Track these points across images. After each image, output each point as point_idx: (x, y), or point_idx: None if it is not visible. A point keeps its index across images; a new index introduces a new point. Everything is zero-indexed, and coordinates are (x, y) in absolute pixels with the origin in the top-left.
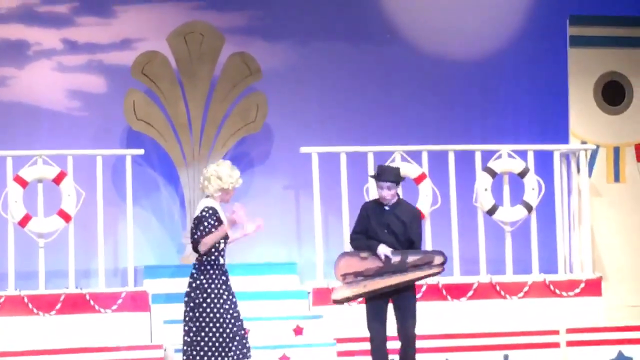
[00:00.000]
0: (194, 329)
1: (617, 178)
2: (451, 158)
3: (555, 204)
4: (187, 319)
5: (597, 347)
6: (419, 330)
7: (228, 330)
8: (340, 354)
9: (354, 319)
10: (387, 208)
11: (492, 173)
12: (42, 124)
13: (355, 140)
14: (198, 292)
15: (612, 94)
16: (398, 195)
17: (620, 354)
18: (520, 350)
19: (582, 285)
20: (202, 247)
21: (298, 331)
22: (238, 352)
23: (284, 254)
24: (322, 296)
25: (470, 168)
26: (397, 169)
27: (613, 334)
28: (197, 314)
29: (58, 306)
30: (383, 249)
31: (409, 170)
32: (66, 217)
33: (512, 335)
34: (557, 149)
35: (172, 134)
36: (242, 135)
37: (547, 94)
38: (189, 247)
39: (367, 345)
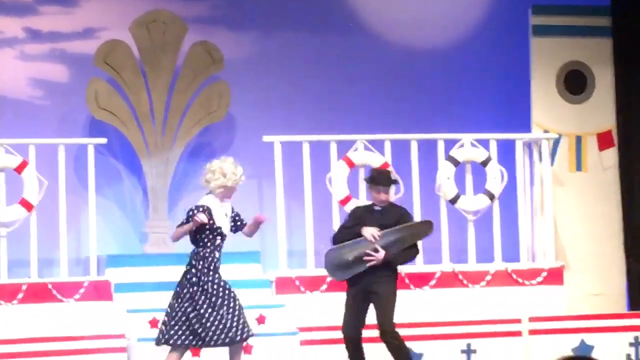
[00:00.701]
0: (206, 314)
1: (579, 167)
2: (414, 147)
3: (518, 192)
4: (197, 307)
5: (559, 336)
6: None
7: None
8: (303, 342)
9: (317, 308)
10: (377, 208)
11: (455, 162)
12: (5, 112)
13: (318, 129)
14: (194, 279)
15: (575, 83)
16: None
17: (582, 342)
18: (482, 339)
19: (545, 274)
20: (172, 236)
21: (261, 320)
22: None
23: (247, 243)
24: (284, 285)
25: (432, 157)
26: (390, 173)
27: (575, 322)
28: (197, 300)
29: (20, 295)
30: (369, 229)
31: (371, 159)
32: (28, 206)
33: (475, 324)
34: (520, 138)
35: (134, 123)
36: (204, 124)
37: (509, 83)
38: (152, 236)
39: (329, 334)
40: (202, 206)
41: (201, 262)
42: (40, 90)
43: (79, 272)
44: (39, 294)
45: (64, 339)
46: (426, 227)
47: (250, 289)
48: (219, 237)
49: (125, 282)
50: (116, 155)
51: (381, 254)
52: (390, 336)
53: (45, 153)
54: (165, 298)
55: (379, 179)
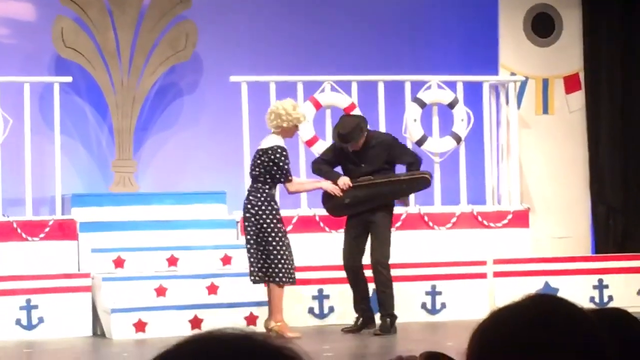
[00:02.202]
0: (281, 251)
1: (545, 110)
2: (381, 88)
3: (484, 135)
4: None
5: (523, 278)
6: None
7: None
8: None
9: None
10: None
11: (422, 104)
12: None
13: (285, 69)
14: (265, 217)
15: (542, 26)
16: (371, 131)
17: (546, 284)
18: (447, 281)
19: (510, 216)
20: (291, 188)
21: (226, 260)
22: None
23: (213, 183)
24: None
25: (399, 99)
26: (356, 125)
27: (540, 265)
28: (271, 238)
29: None
30: (344, 179)
31: (338, 100)
32: None
33: (440, 266)
34: (487, 80)
35: (100, 62)
36: (171, 64)
37: (477, 25)
38: (118, 175)
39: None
40: (284, 148)
41: (269, 198)
42: (6, 28)
43: (44, 212)
44: (4, 232)
45: (29, 277)
46: (424, 181)
47: (215, 230)
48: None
49: (90, 221)
50: (82, 95)
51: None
52: (381, 265)
53: (10, 91)
54: (129, 237)
55: (344, 139)
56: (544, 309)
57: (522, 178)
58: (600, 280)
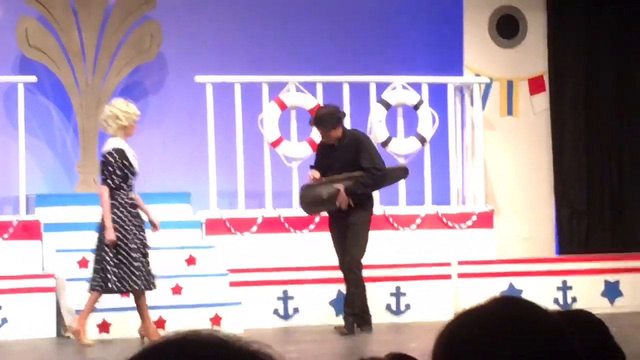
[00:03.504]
0: (106, 258)
1: (510, 112)
2: (346, 89)
3: (449, 136)
4: (98, 250)
5: (488, 279)
6: (311, 261)
7: (130, 258)
8: (232, 284)
9: (247, 250)
10: (335, 145)
11: (387, 105)
12: None
13: (250, 70)
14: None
15: (507, 28)
16: (345, 129)
17: (511, 286)
18: (412, 282)
19: (474, 217)
20: (100, 195)
21: (191, 261)
22: (143, 279)
23: (178, 183)
24: (215, 226)
25: (364, 100)
26: (330, 113)
27: (504, 266)
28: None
29: None
30: (311, 172)
31: (303, 101)
32: None
33: (405, 267)
34: (451, 81)
35: (65, 62)
36: (136, 64)
37: (442, 26)
38: (82, 176)
39: (259, 276)
40: (119, 150)
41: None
42: None
43: (8, 211)
44: None
45: None
46: (401, 172)
47: (180, 230)
48: (131, 177)
49: (54, 221)
50: (47, 95)
51: (341, 189)
52: (354, 265)
53: None
54: (94, 238)
55: (315, 121)
56: (510, 312)
57: (486, 179)
58: (564, 282)
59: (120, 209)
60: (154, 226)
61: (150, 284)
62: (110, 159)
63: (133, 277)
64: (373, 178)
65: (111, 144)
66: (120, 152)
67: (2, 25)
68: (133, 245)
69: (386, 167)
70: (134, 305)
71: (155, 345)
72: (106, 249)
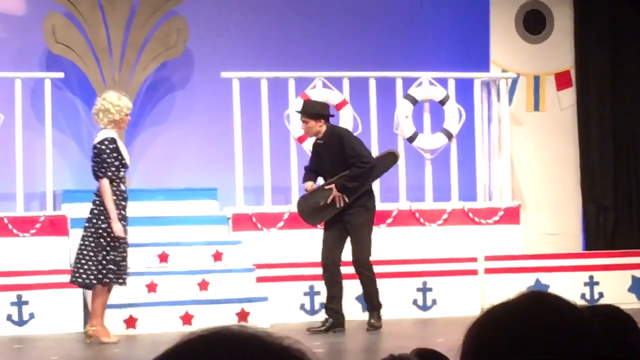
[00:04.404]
0: (92, 252)
1: (537, 107)
2: (372, 85)
3: (476, 132)
4: (85, 243)
5: (514, 275)
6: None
7: (124, 252)
8: (259, 279)
9: (274, 245)
10: (320, 142)
11: (413, 100)
12: None
13: (276, 66)
14: (102, 217)
15: (534, 23)
16: (329, 125)
17: (537, 281)
18: (438, 277)
19: (501, 213)
20: (101, 187)
21: (217, 257)
22: (124, 275)
23: (204, 179)
24: (241, 222)
25: (391, 95)
26: (314, 104)
27: (530, 261)
28: (100, 238)
29: None
30: (305, 186)
31: (329, 96)
32: None
33: (431, 262)
34: (478, 77)
35: (92, 57)
36: (162, 59)
37: (468, 21)
38: None
39: (285, 271)
40: (111, 140)
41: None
42: None
43: (35, 207)
44: None
45: (20, 273)
46: (389, 159)
47: (207, 226)
48: (122, 170)
49: (81, 217)
50: (73, 90)
51: (334, 188)
52: (363, 267)
53: (1, 87)
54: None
55: (302, 107)
56: (539, 307)
57: (513, 175)
58: (591, 277)
59: (120, 200)
60: None
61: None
62: (104, 148)
63: (123, 272)
64: (361, 171)
65: (103, 134)
66: (113, 142)
67: (30, 22)
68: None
69: (373, 157)
70: (160, 300)
71: (186, 341)
72: (108, 240)
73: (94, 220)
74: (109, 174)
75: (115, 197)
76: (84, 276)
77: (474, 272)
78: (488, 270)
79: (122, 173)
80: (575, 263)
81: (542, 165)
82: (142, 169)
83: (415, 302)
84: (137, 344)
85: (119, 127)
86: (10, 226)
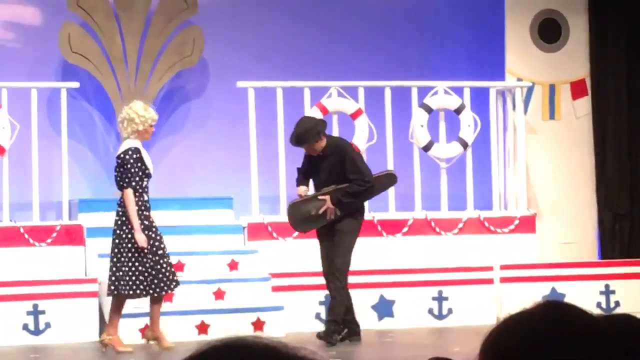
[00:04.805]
0: (119, 262)
1: (552, 116)
2: (387, 94)
3: (491, 140)
4: (113, 253)
5: (530, 284)
6: (352, 266)
7: (149, 262)
8: (275, 288)
9: (289, 254)
10: (319, 155)
11: (428, 109)
12: None
13: (292, 75)
14: (124, 227)
15: (549, 32)
16: (328, 136)
17: (553, 290)
18: (454, 286)
19: (517, 222)
20: (125, 198)
21: (233, 266)
22: (162, 284)
23: (220, 188)
24: (257, 231)
25: (406, 104)
26: (310, 128)
27: (546, 270)
28: (122, 248)
29: None
30: (298, 190)
31: (345, 106)
32: (0, 150)
33: (447, 271)
34: (493, 85)
35: (107, 67)
36: (178, 69)
37: (484, 30)
38: None
39: (301, 280)
40: (136, 150)
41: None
42: (13, 33)
43: (51, 217)
44: (11, 237)
45: (36, 282)
46: (388, 179)
47: (222, 235)
48: (146, 179)
49: (97, 226)
50: (89, 100)
51: (328, 200)
52: (336, 271)
53: (17, 97)
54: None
55: (297, 140)
56: (556, 316)
57: (528, 183)
58: (607, 286)
59: (142, 210)
60: None
61: (172, 285)
62: (128, 158)
63: (159, 280)
64: (361, 189)
65: (126, 144)
66: (137, 152)
67: (45, 31)
68: (160, 250)
69: (373, 176)
70: (176, 309)
71: (201, 352)
72: (133, 250)
73: (118, 232)
74: (133, 184)
75: (137, 207)
76: (112, 287)
77: (489, 281)
78: (504, 279)
79: (145, 183)
80: (591, 272)
81: (557, 173)
82: (157, 178)
83: (430, 311)
84: (153, 354)
85: (142, 138)
86: (26, 235)
